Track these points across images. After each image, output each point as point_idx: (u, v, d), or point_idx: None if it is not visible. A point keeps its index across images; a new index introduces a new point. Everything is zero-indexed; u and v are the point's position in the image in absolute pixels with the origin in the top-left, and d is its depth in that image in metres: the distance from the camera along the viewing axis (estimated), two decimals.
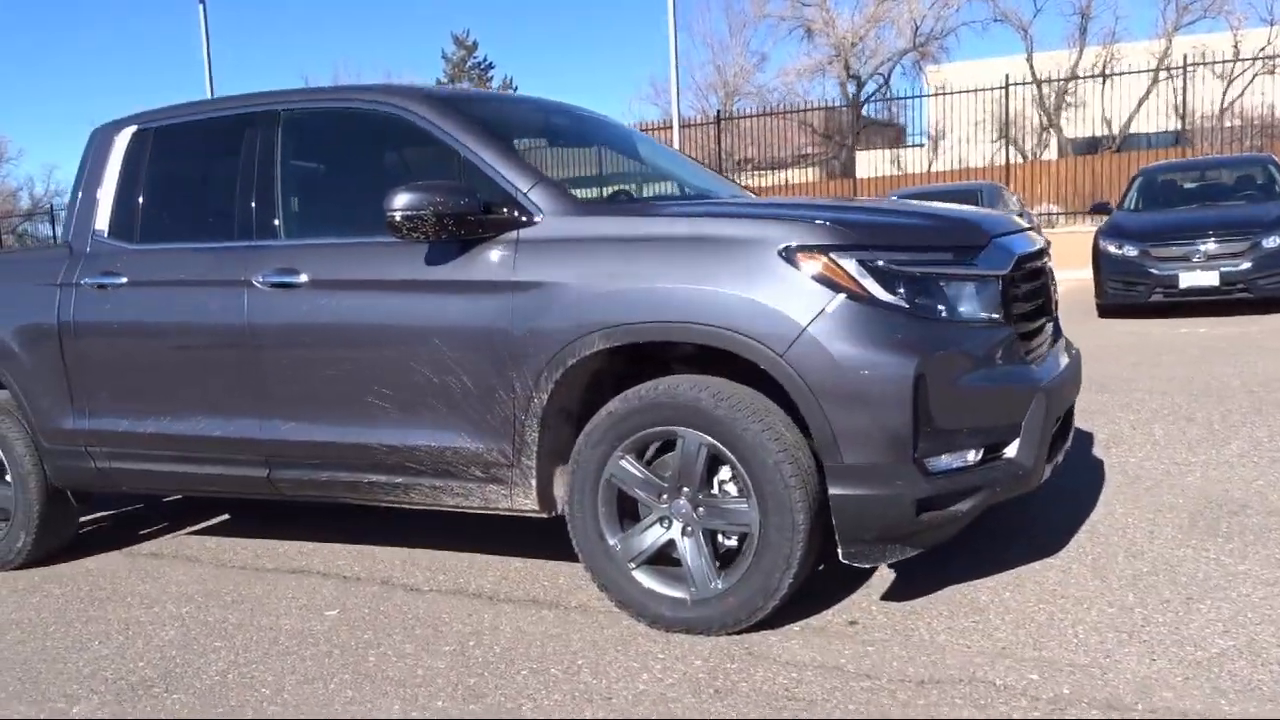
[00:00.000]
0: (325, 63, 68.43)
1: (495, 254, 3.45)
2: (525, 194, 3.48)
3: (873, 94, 33.24)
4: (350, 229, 3.81)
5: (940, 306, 3.14)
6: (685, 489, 3.27)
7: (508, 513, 3.63)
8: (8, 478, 4.70)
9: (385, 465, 3.70)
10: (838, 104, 31.74)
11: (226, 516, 5.42)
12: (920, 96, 29.54)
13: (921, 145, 31.77)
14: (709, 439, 3.18)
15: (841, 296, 3.03)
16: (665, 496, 3.30)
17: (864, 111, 32.15)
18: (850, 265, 3.07)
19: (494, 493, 3.57)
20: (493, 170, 3.55)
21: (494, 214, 3.46)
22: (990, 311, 3.22)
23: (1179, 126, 28.85)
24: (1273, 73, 26.68)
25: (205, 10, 23.66)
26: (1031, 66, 30.12)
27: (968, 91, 24.99)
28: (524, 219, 3.46)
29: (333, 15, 64.89)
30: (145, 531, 5.25)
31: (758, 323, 3.06)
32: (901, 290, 3.08)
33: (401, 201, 3.36)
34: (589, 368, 3.36)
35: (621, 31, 62.45)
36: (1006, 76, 22.12)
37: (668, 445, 3.30)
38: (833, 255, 3.08)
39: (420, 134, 3.74)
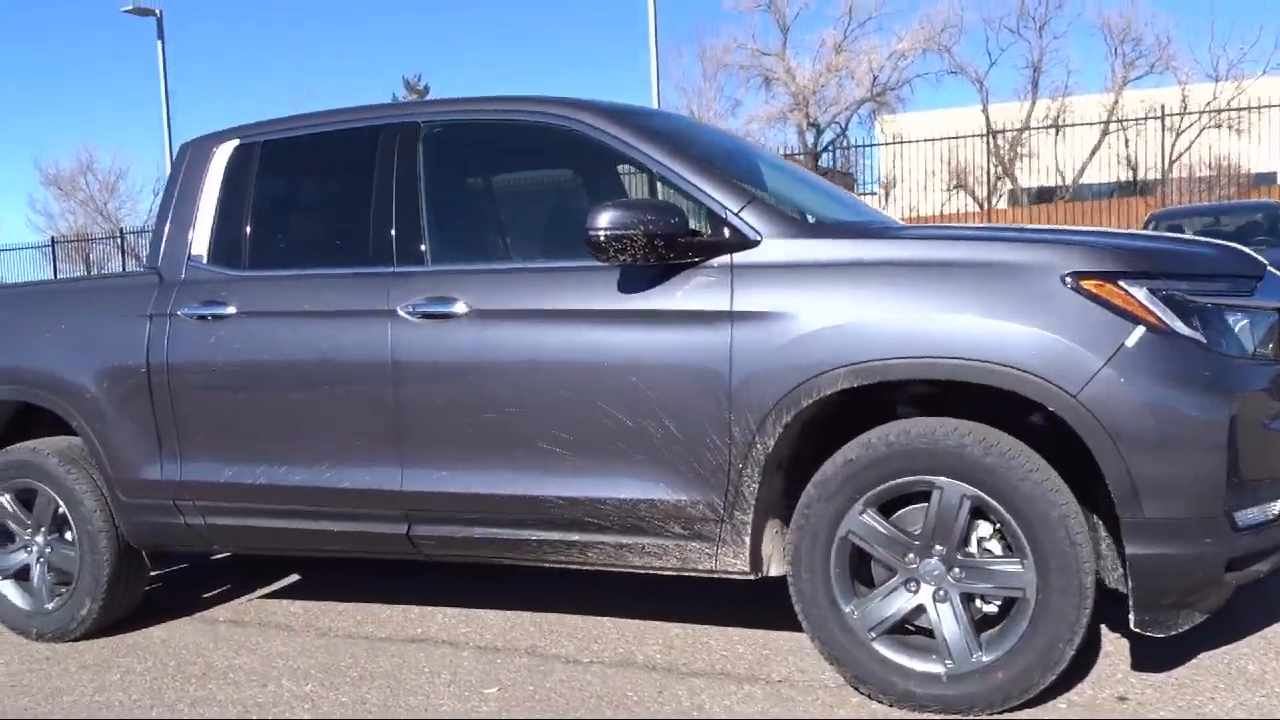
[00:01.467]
0: (276, 102, 67.38)
1: (706, 281, 3.05)
2: (736, 214, 3.09)
3: (830, 143, 33.46)
4: (516, 253, 3.39)
5: (1231, 340, 2.81)
6: (938, 547, 2.87)
7: (707, 574, 3.20)
8: (69, 535, 4.15)
9: (559, 521, 3.25)
10: (795, 152, 31.88)
11: (297, 577, 4.88)
12: (873, 145, 29.85)
13: (874, 194, 32.03)
14: (974, 490, 2.79)
15: (1141, 329, 2.68)
16: (913, 556, 2.90)
17: (820, 160, 32.35)
18: (1141, 294, 2.72)
19: (696, 551, 3.14)
20: (694, 188, 3.15)
21: (704, 236, 3.06)
22: (1275, 346, 2.90)
23: (1130, 177, 29.53)
24: (1219, 127, 27.42)
25: (163, 48, 22.94)
26: (987, 117, 30.56)
27: (926, 140, 25.32)
28: (738, 242, 3.06)
29: (281, 56, 64.02)
30: (208, 595, 4.70)
31: (1045, 358, 2.69)
32: (1195, 322, 2.74)
33: (608, 219, 2.95)
34: (812, 411, 2.96)
35: (583, 76, 62.50)
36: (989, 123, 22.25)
37: (902, 498, 2.91)
38: (1122, 283, 2.73)
39: (600, 149, 3.34)
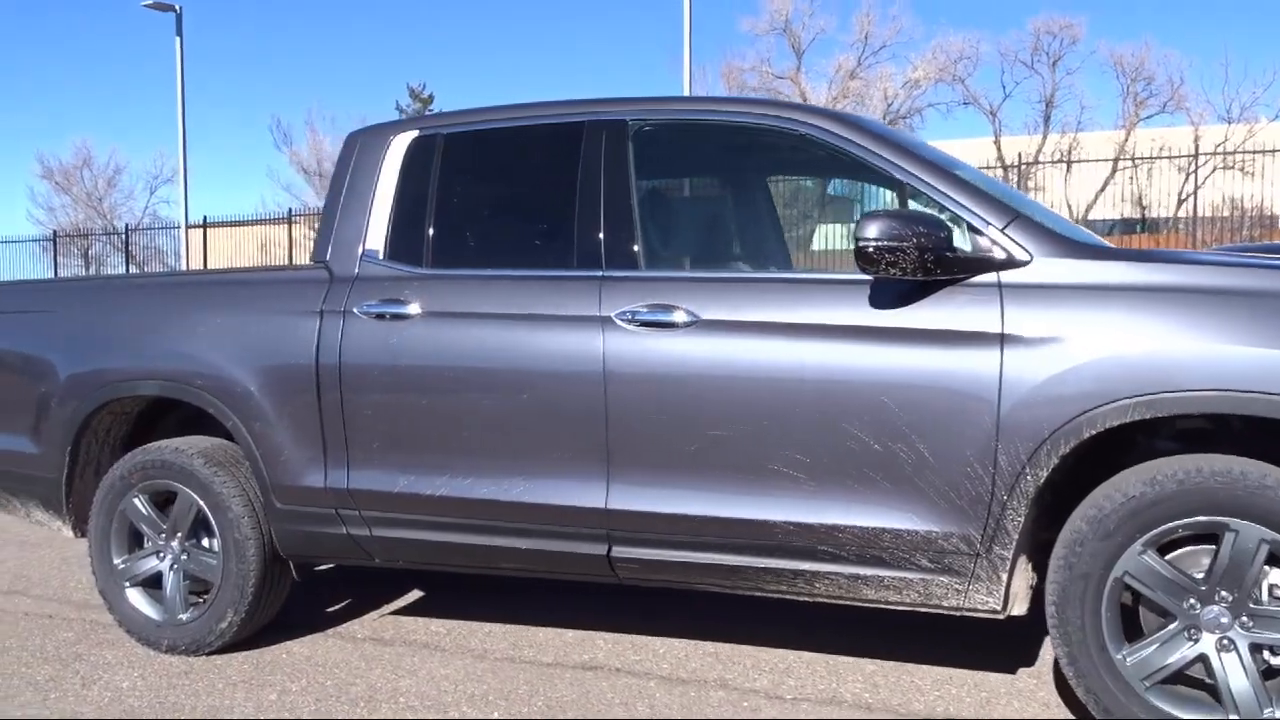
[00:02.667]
0: (284, 105, 66.94)
1: (971, 299, 2.86)
2: (1002, 230, 2.91)
3: None
4: (740, 260, 3.19)
5: None
6: (1223, 593, 2.68)
7: (950, 611, 2.99)
8: (207, 542, 3.91)
9: (787, 548, 3.04)
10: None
11: (420, 593, 4.64)
12: None
13: None
14: (1274, 535, 2.60)
15: None
16: (1194, 602, 2.71)
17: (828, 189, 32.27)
18: None
19: (942, 587, 2.94)
20: (953, 201, 2.97)
21: (967, 252, 2.88)
22: None
23: (1138, 214, 29.64)
24: (1229, 168, 27.55)
25: (181, 45, 22.63)
26: (999, 149, 30.63)
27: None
28: (1004, 260, 2.88)
29: (285, 64, 63.74)
30: (331, 610, 4.46)
31: None
32: None
33: (879, 230, 2.76)
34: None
35: (592, 88, 62.47)
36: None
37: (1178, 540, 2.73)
38: None
39: (838, 158, 3.16)
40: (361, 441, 3.52)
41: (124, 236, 29.41)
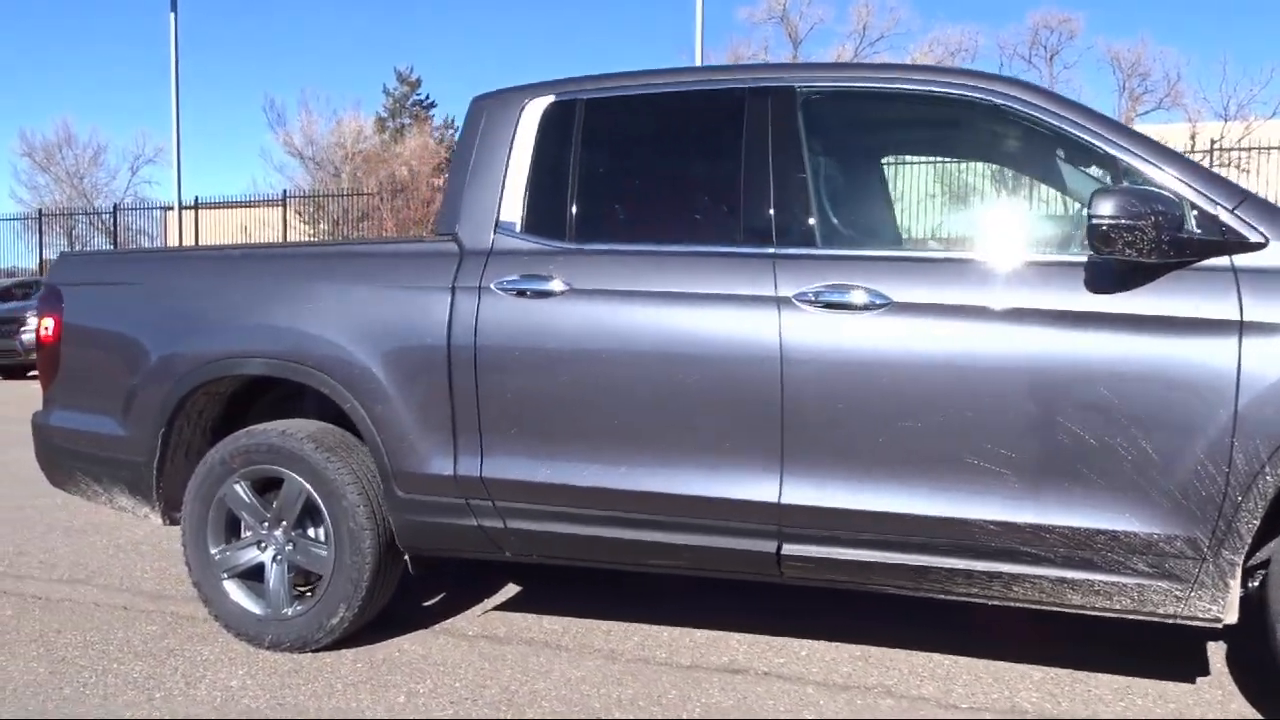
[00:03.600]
0: (252, 91, 65.92)
1: (1203, 284, 2.66)
2: (1232, 211, 2.70)
3: None
4: (928, 238, 2.94)
5: None
6: None
7: (1163, 619, 2.79)
8: (313, 532, 3.66)
9: (984, 549, 2.83)
10: None
11: (517, 587, 4.41)
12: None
13: None
14: None
15: None
16: None
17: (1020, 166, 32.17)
18: None
19: (1160, 593, 2.73)
20: (1178, 180, 2.76)
21: (1198, 234, 2.67)
22: None
23: None
24: (1226, 166, 27.58)
25: (175, 20, 22.14)
26: None
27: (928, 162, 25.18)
28: (1237, 242, 2.67)
29: (270, 46, 62.89)
30: (428, 604, 4.22)
31: None
32: None
33: (1117, 208, 2.55)
34: None
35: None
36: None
37: None
38: None
39: (1037, 131, 2.96)
40: (498, 427, 3.28)
41: (112, 216, 28.80)
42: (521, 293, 3.25)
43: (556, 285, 3.22)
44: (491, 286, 3.28)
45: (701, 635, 3.74)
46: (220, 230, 27.54)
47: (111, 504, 3.99)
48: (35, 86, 59.56)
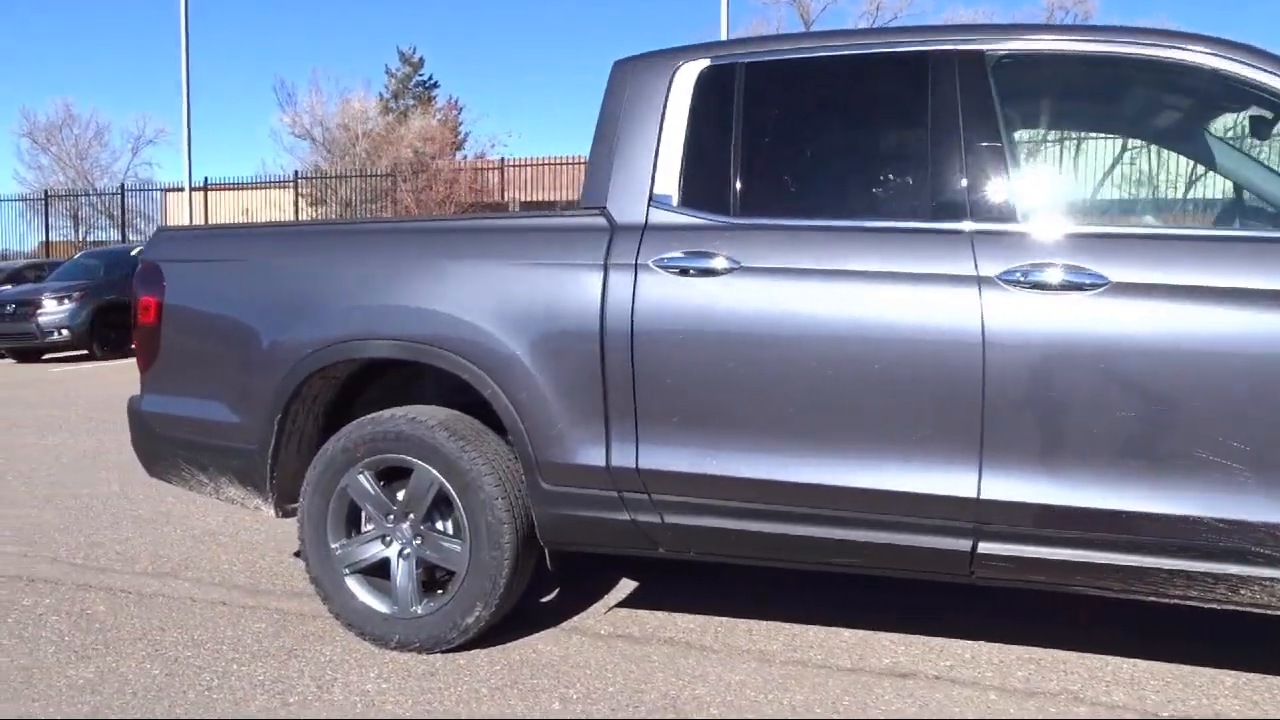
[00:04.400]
0: (255, 71, 65.24)
1: None
2: None
3: None
4: (1142, 212, 2.72)
5: None
6: None
7: None
8: (441, 525, 3.44)
9: (1210, 549, 2.63)
10: None
11: (634, 583, 4.20)
12: None
13: None
14: None
15: None
16: None
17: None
18: None
19: None
20: None
21: None
22: None
23: (1149, 195, 29.47)
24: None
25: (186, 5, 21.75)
26: None
27: None
28: None
29: (273, 24, 62.33)
30: (545, 601, 4.02)
31: None
32: None
33: None
34: None
35: (575, 60, 61.65)
36: None
37: None
38: None
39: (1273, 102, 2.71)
40: (656, 415, 3.06)
41: (120, 197, 28.45)
42: (684, 270, 3.02)
43: (723, 263, 3.00)
44: (650, 264, 3.06)
45: (849, 635, 3.54)
46: (227, 212, 27.24)
47: (218, 494, 3.77)
48: (36, 66, 59.00)
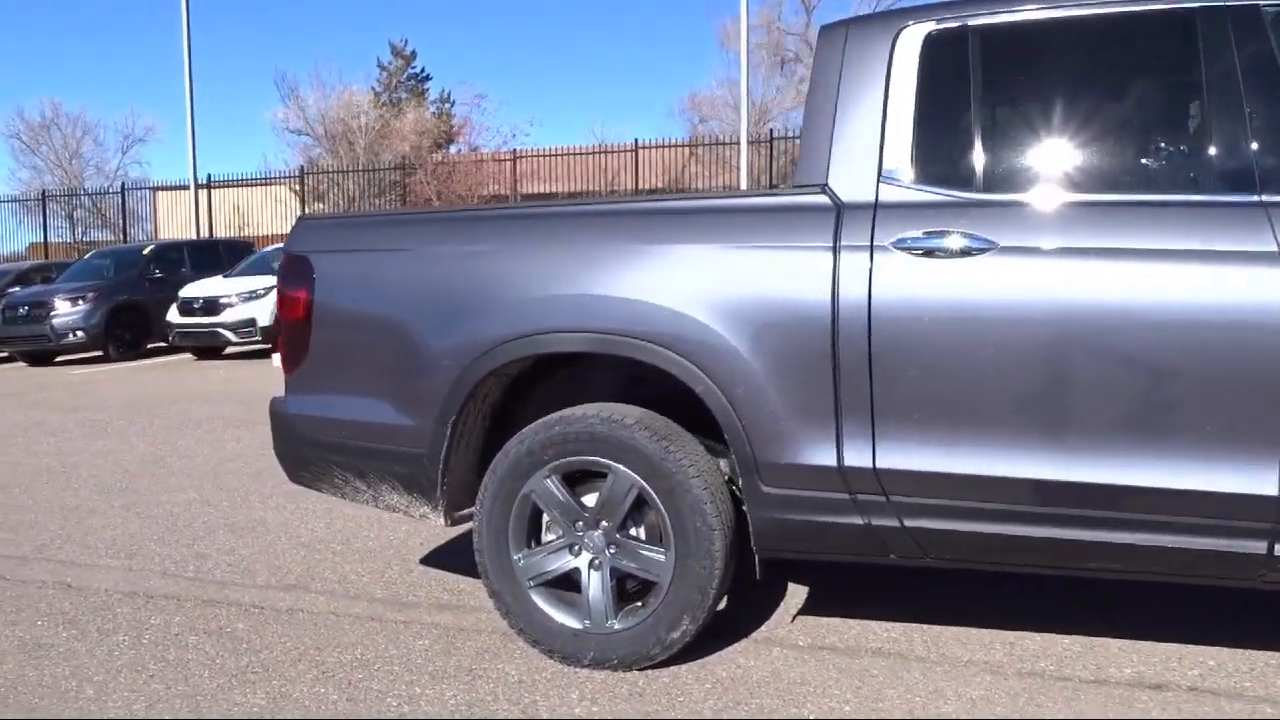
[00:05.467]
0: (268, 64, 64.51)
1: None
2: None
3: None
4: None
5: None
6: None
7: None
8: (635, 532, 3.18)
9: None
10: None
11: (803, 588, 3.95)
12: None
13: None
14: None
15: None
16: None
17: None
18: None
19: None
20: None
21: None
22: None
23: None
24: None
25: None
26: None
27: None
28: None
29: (265, 18, 61.67)
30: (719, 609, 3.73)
31: None
32: None
33: None
34: None
35: (564, 51, 61.28)
36: None
37: None
38: None
39: None
40: (896, 410, 2.80)
41: (120, 197, 27.98)
42: (929, 252, 2.77)
43: (975, 243, 2.75)
44: (888, 245, 2.80)
45: (1068, 641, 3.31)
46: (227, 209, 26.83)
47: (377, 502, 3.49)
48: (27, 63, 58.23)
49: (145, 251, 17.14)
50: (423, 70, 47.64)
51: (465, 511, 3.43)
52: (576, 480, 3.22)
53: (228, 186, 26.34)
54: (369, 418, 3.39)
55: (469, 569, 4.18)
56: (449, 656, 3.36)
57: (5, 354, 16.30)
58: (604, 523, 3.15)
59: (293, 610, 3.88)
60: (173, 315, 15.19)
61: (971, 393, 2.75)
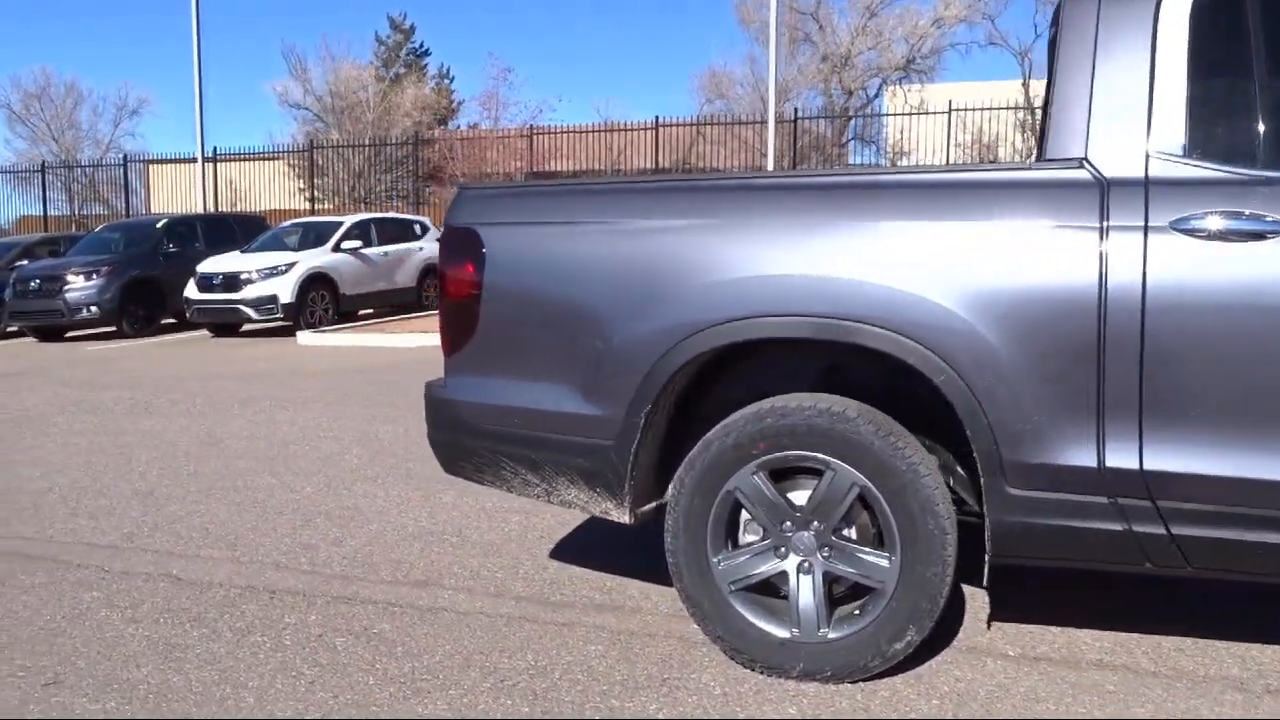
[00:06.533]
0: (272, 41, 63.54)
1: None
2: None
3: (860, 108, 32.48)
4: None
5: None
6: None
7: None
8: (847, 532, 2.93)
9: None
10: (825, 115, 30.74)
11: (979, 590, 3.71)
12: (916, 113, 28.89)
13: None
14: None
15: None
16: None
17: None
18: None
19: None
20: None
21: None
22: None
23: None
24: None
25: None
26: (1027, 92, 29.95)
27: (967, 110, 24.78)
28: None
29: None
30: None
31: None
32: None
33: None
34: None
35: (561, 27, 60.65)
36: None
37: None
38: None
39: None
40: (1171, 407, 2.56)
41: (122, 168, 27.44)
42: (1214, 235, 2.50)
43: (1263, 226, 2.49)
44: (1166, 225, 2.54)
45: (1270, 652, 3.06)
46: (229, 183, 26.38)
47: (550, 497, 3.23)
48: (18, 34, 57.26)
49: (159, 225, 16.71)
50: (422, 45, 47.08)
51: (646, 508, 3.17)
52: (781, 477, 2.96)
53: (235, 160, 25.85)
54: (547, 406, 3.12)
55: (605, 564, 3.95)
56: (632, 664, 3.11)
57: (14, 328, 15.87)
58: (816, 523, 2.90)
59: (435, 609, 3.63)
60: (191, 291, 14.81)
61: (1263, 390, 2.49)
